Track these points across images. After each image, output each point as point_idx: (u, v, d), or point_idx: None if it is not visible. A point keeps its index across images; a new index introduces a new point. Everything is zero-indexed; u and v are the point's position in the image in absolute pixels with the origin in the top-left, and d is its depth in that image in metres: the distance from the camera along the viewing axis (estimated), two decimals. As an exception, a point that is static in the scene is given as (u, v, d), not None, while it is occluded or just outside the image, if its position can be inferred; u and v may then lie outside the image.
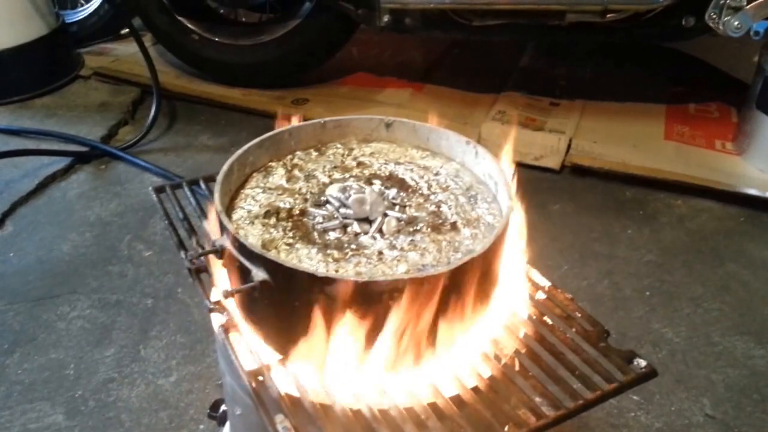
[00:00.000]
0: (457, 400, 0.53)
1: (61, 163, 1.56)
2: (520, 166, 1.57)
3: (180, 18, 1.80)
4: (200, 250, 0.57)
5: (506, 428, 0.49)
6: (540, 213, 1.43)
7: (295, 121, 0.68)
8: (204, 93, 1.83)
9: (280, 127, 0.67)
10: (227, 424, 0.84)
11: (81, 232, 1.37)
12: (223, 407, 0.85)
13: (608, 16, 1.40)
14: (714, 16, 1.34)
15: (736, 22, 1.31)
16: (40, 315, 1.16)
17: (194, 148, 1.67)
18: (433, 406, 0.52)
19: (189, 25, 1.80)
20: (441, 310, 0.52)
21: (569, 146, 1.58)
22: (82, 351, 1.08)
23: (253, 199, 0.61)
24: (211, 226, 0.60)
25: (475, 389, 0.53)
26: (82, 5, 2.12)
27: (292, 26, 1.72)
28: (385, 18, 1.50)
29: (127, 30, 1.97)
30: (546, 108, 1.73)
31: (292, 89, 1.82)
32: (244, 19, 2.10)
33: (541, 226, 1.39)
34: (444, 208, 0.61)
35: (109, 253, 1.31)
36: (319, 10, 1.66)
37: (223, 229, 0.54)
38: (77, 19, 2.07)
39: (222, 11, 2.01)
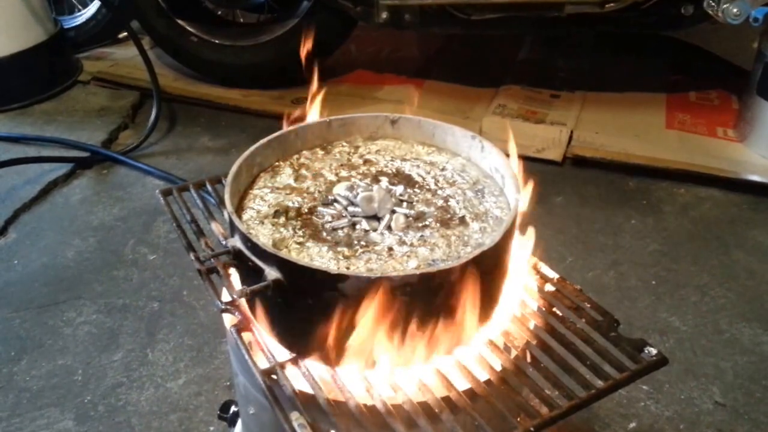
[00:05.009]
0: (470, 393, 0.53)
1: (63, 169, 1.56)
2: (522, 159, 1.58)
3: (178, 20, 1.80)
4: (210, 252, 0.57)
5: (519, 419, 0.49)
6: (543, 205, 1.43)
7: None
8: (203, 95, 1.82)
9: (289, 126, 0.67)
10: (238, 425, 0.84)
11: (84, 238, 1.37)
12: (233, 408, 0.85)
13: (607, 6, 1.40)
14: (713, 4, 1.34)
15: (735, 9, 1.31)
16: (46, 321, 1.16)
17: (195, 150, 1.67)
18: (446, 400, 0.52)
19: (187, 28, 1.80)
20: (452, 303, 0.52)
21: (571, 138, 1.58)
22: (90, 356, 1.09)
23: (262, 199, 0.61)
24: (219, 227, 0.60)
25: (488, 382, 0.53)
26: (79, 10, 2.11)
27: (291, 26, 1.72)
28: (384, 14, 1.50)
29: (125, 34, 1.97)
30: (546, 100, 1.72)
31: (291, 89, 1.82)
32: (242, 20, 2.10)
33: (545, 218, 1.39)
34: (452, 202, 0.61)
35: (113, 257, 1.31)
36: (317, 9, 1.66)
37: (233, 229, 0.55)
38: (75, 24, 2.06)
39: (220, 12, 2.00)
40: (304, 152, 0.68)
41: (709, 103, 1.73)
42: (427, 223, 0.58)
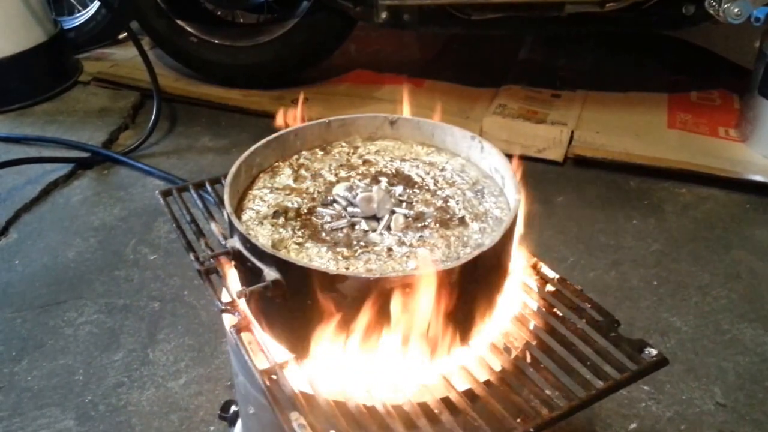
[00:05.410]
0: (470, 394, 0.53)
1: (64, 169, 1.56)
2: (523, 159, 1.58)
3: (178, 21, 1.80)
4: (210, 252, 0.57)
5: (519, 420, 0.49)
6: (544, 206, 1.43)
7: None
8: (203, 95, 1.82)
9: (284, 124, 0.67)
10: (238, 425, 0.84)
11: (86, 238, 1.37)
12: (233, 408, 0.85)
13: (608, 5, 1.39)
14: (714, 4, 1.33)
15: (736, 9, 1.31)
16: (47, 321, 1.16)
17: (195, 150, 1.67)
18: (446, 401, 0.52)
19: (187, 28, 1.80)
20: (451, 304, 0.52)
21: (572, 138, 1.58)
22: (91, 356, 1.09)
23: (261, 199, 0.61)
24: (219, 227, 0.60)
25: (487, 382, 0.53)
26: (79, 11, 2.11)
27: (290, 26, 1.72)
28: (383, 14, 1.50)
29: (125, 34, 1.97)
30: (547, 100, 1.72)
31: (291, 89, 1.82)
32: (241, 21, 2.10)
33: (546, 218, 1.38)
34: (451, 203, 0.61)
35: (114, 257, 1.31)
36: (317, 9, 1.66)
37: (233, 230, 0.54)
38: (75, 25, 2.07)
39: (219, 13, 2.01)
40: (304, 153, 0.68)
41: (711, 102, 1.72)
42: (426, 223, 0.58)
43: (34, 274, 1.27)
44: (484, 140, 0.65)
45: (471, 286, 0.53)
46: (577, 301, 0.60)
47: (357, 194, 0.60)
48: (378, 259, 0.54)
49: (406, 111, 0.71)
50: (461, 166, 0.66)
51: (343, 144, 0.70)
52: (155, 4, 1.78)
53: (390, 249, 0.55)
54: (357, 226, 0.58)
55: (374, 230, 0.57)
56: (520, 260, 0.64)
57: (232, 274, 0.60)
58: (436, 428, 0.49)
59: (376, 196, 0.59)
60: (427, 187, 0.63)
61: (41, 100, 1.84)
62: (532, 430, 0.48)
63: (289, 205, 0.61)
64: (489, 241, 0.53)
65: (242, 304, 0.58)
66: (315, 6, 1.66)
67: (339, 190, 0.62)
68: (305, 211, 0.60)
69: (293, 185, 0.64)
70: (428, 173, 0.65)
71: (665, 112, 1.68)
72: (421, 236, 0.56)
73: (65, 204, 1.48)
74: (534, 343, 0.57)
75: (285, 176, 0.65)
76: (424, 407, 0.51)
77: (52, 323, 1.16)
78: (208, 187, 0.72)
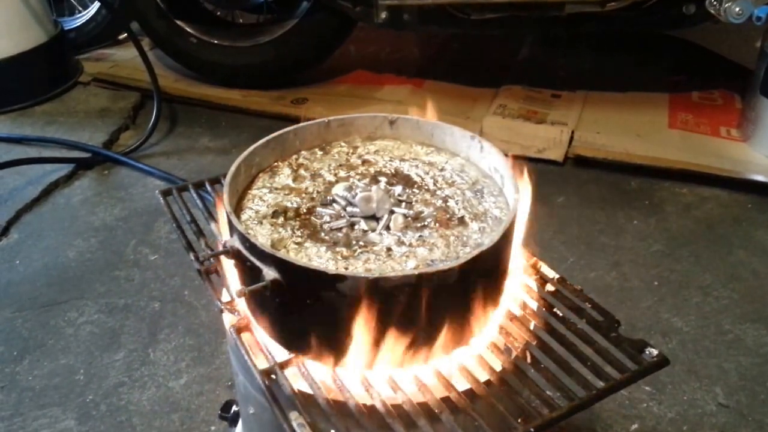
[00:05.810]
0: (470, 394, 0.52)
1: (64, 169, 1.56)
2: (523, 160, 1.58)
3: (178, 21, 1.80)
4: (210, 252, 0.57)
5: (519, 420, 0.49)
6: (544, 206, 1.42)
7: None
8: (203, 95, 1.83)
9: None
10: (238, 425, 0.84)
11: (86, 238, 1.37)
12: (234, 408, 0.85)
13: (608, 5, 1.39)
14: (715, 3, 1.33)
15: (737, 8, 1.30)
16: (48, 321, 1.16)
17: (196, 150, 1.67)
18: (446, 400, 0.52)
19: (187, 29, 1.80)
20: (451, 304, 0.52)
21: (572, 138, 1.58)
22: (92, 356, 1.09)
23: (261, 199, 0.61)
24: (219, 227, 0.60)
25: (488, 382, 0.53)
26: (79, 12, 2.12)
27: (290, 26, 1.72)
28: (383, 15, 1.50)
29: (125, 35, 1.97)
30: (547, 100, 1.72)
31: (291, 89, 1.82)
32: (241, 21, 2.10)
33: (546, 219, 1.38)
34: (451, 203, 0.61)
35: (115, 257, 1.31)
36: (317, 9, 1.66)
37: (232, 229, 0.54)
38: (75, 25, 2.07)
39: (219, 13, 2.01)
40: (303, 152, 0.68)
41: (712, 102, 1.72)
42: (425, 223, 0.58)
43: (35, 274, 1.27)
44: (484, 140, 0.65)
45: (470, 286, 0.52)
46: (578, 301, 0.60)
47: (356, 194, 0.60)
48: (377, 259, 0.54)
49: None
50: (461, 166, 0.66)
51: (343, 144, 0.70)
52: (155, 5, 1.78)
53: (389, 249, 0.55)
54: (356, 226, 0.58)
55: (373, 230, 0.57)
56: (520, 260, 0.64)
57: (231, 274, 0.60)
58: (436, 428, 0.49)
59: (376, 195, 0.59)
60: (426, 187, 0.63)
61: (41, 100, 1.84)
62: (532, 430, 0.48)
63: (289, 204, 0.61)
64: (488, 240, 0.53)
65: (242, 303, 0.58)
66: (315, 6, 1.66)
67: (338, 189, 0.62)
68: (304, 210, 0.60)
69: (292, 185, 0.64)
70: (428, 173, 0.65)
71: (666, 111, 1.68)
72: (420, 236, 0.56)
73: (66, 204, 1.48)
74: (534, 343, 0.57)
75: (284, 176, 0.65)
76: (424, 407, 0.51)
77: (53, 323, 1.16)
78: (208, 187, 0.72)
